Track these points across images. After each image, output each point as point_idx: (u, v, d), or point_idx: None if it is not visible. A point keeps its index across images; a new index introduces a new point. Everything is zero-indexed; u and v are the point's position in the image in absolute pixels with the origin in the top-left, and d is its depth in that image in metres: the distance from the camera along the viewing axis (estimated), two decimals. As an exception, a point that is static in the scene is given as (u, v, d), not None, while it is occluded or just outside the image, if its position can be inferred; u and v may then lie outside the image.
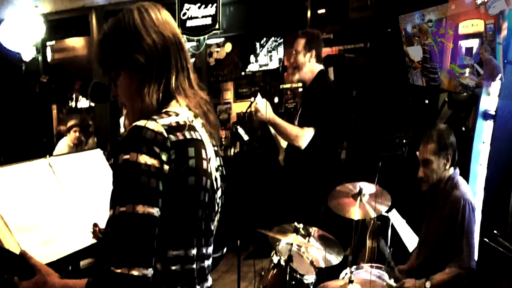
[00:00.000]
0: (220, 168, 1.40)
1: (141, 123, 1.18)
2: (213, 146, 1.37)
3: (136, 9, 1.30)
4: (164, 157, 1.17)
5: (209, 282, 1.37)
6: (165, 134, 1.18)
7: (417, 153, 2.70)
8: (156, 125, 1.18)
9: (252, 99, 3.30)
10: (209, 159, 1.30)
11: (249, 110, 3.34)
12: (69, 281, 1.30)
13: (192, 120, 1.30)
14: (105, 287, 1.12)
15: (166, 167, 1.17)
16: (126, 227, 1.12)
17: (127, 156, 1.14)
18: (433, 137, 2.60)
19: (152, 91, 1.27)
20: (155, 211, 1.15)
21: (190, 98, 1.32)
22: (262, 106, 3.21)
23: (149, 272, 1.13)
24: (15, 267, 1.30)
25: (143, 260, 1.12)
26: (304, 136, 3.16)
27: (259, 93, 3.29)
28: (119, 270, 1.10)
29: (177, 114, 1.26)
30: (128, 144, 1.16)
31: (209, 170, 1.29)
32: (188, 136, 1.23)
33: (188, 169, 1.21)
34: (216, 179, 1.35)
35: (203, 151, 1.27)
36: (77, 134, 5.77)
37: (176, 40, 1.32)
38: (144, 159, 1.14)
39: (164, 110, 1.26)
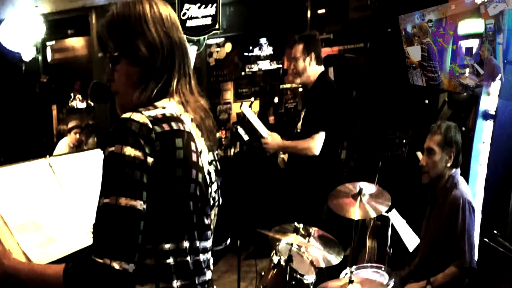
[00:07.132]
0: (214, 162, 1.39)
1: (127, 115, 1.19)
2: (207, 141, 1.35)
3: (148, 2, 1.30)
4: (147, 150, 1.16)
5: (207, 276, 1.35)
6: (150, 125, 1.18)
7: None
8: (141, 116, 1.19)
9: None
10: (200, 152, 1.29)
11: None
12: (37, 266, 1.31)
13: (181, 114, 1.28)
14: (84, 274, 1.13)
15: (150, 159, 1.16)
16: (109, 219, 1.13)
17: (112, 148, 1.15)
18: (441, 129, 2.61)
19: (149, 88, 1.27)
20: (138, 204, 1.14)
21: (189, 103, 1.31)
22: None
23: (130, 267, 1.13)
24: None
25: (125, 254, 1.12)
26: (316, 143, 3.14)
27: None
28: (100, 260, 1.11)
29: (164, 107, 1.25)
30: (113, 136, 1.17)
31: (200, 163, 1.27)
32: (175, 127, 1.23)
33: (176, 161, 1.20)
34: (209, 173, 1.34)
35: (192, 143, 1.26)
36: (77, 136, 5.77)
37: (182, 45, 1.33)
38: (128, 150, 1.14)
39: (152, 104, 1.26)
